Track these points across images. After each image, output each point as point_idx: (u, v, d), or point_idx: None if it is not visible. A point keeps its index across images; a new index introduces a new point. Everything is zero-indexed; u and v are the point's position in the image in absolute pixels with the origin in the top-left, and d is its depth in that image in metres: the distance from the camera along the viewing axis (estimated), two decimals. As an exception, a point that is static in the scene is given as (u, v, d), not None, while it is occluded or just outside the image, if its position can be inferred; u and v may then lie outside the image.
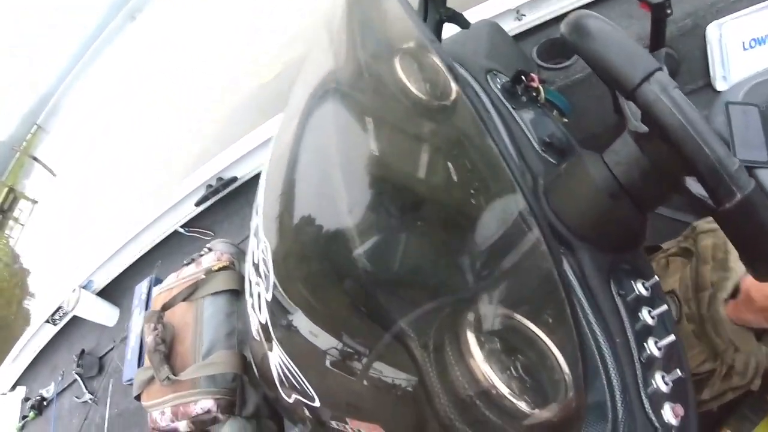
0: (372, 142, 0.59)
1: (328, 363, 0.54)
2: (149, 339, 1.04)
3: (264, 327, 0.62)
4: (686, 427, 0.62)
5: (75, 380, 2.08)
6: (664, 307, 0.65)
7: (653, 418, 0.60)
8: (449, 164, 0.54)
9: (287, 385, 0.62)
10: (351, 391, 0.54)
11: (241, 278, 1.16)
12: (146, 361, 1.12)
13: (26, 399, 2.31)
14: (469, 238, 0.51)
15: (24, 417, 2.24)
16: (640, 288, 0.66)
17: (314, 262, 0.57)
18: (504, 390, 0.45)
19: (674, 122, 0.48)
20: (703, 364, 0.88)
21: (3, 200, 13.78)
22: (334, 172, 0.58)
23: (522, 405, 0.45)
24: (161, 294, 1.21)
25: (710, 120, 1.07)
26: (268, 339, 0.62)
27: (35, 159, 14.48)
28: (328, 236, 0.56)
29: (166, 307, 1.11)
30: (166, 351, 1.02)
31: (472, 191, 0.52)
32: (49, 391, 2.22)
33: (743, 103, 1.05)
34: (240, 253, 1.26)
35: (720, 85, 1.44)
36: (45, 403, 2.22)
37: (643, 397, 0.60)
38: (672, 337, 0.62)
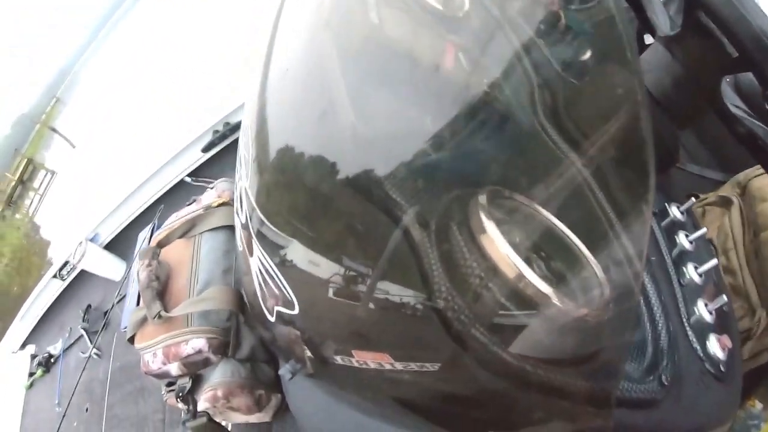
0: (374, 18, 0.51)
1: (307, 259, 0.45)
2: (143, 276, 0.96)
3: (245, 227, 0.53)
4: (733, 361, 0.55)
5: (81, 336, 2.03)
6: (703, 230, 0.59)
7: (698, 349, 0.53)
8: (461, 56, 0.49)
9: (267, 292, 0.53)
10: (333, 288, 0.44)
11: (242, 214, 1.08)
12: (142, 303, 1.05)
13: (34, 356, 2.28)
14: (483, 126, 0.44)
15: (32, 374, 2.22)
16: (674, 211, 0.60)
17: (300, 143, 0.47)
18: (529, 273, 0.37)
19: None
20: (740, 321, 0.79)
21: (23, 171, 13.94)
22: (329, 46, 0.49)
23: (551, 293, 0.37)
24: (160, 233, 1.13)
25: None
26: (249, 241, 0.53)
27: (54, 130, 14.58)
28: (319, 109, 0.47)
29: (161, 244, 1.04)
30: (159, 288, 0.94)
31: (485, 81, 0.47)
32: (56, 348, 2.19)
33: None
34: (243, 192, 1.18)
35: None
36: (52, 360, 2.18)
37: (686, 325, 0.54)
38: (714, 261, 0.56)
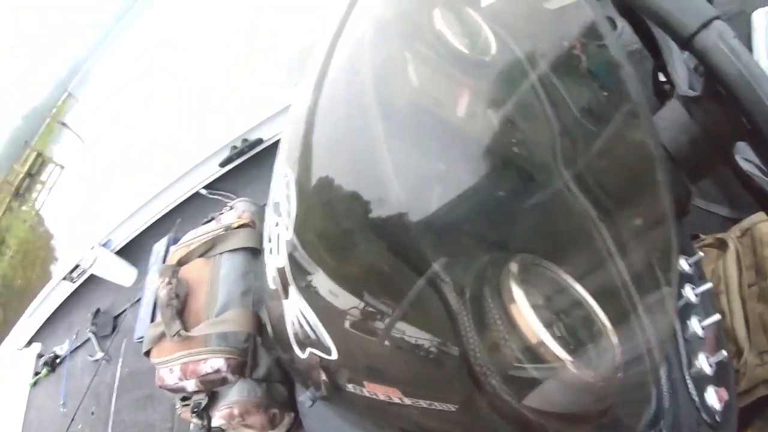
0: (413, 76, 0.55)
1: (351, 310, 0.49)
2: (162, 293, 0.99)
3: (281, 272, 0.56)
4: (729, 413, 0.58)
5: (89, 339, 2.06)
6: (708, 284, 0.61)
7: (697, 400, 0.56)
8: (490, 113, 0.53)
9: (301, 336, 0.56)
10: (373, 342, 0.48)
11: (261, 237, 1.11)
12: (159, 318, 1.08)
13: (40, 356, 2.31)
14: (514, 188, 0.48)
15: (37, 373, 2.25)
16: (683, 264, 0.62)
17: (346, 198, 0.50)
18: (550, 342, 0.40)
19: (733, 70, 0.43)
20: None
21: (31, 164, 14.03)
22: (370, 102, 0.52)
23: (568, 361, 0.41)
24: (178, 250, 1.17)
25: None
26: (285, 285, 0.56)
27: (64, 125, 14.68)
28: (362, 170, 0.50)
29: (181, 262, 1.07)
30: (179, 306, 0.98)
31: (514, 141, 0.50)
32: (63, 349, 2.21)
33: None
34: (261, 213, 1.21)
35: None
36: (58, 360, 2.21)
37: (687, 378, 0.57)
38: (717, 317, 0.59)
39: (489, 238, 0.47)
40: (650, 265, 0.43)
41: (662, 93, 0.68)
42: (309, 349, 0.56)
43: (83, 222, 8.09)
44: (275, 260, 0.58)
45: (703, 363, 0.56)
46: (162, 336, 0.99)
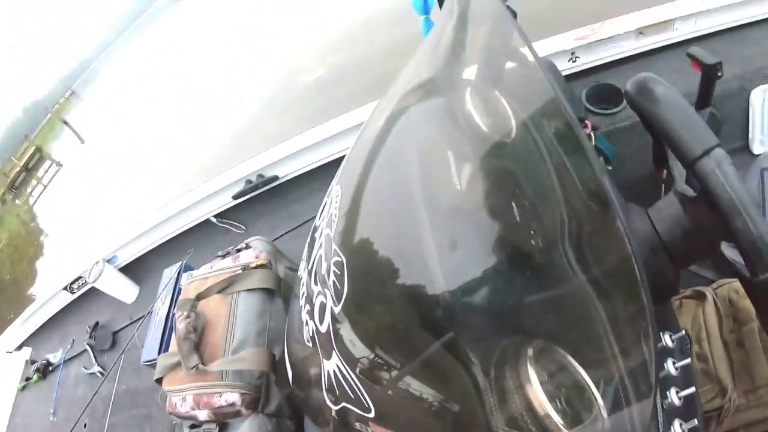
0: (455, 178, 0.62)
1: (393, 382, 0.57)
2: (181, 326, 1.05)
3: (325, 335, 0.64)
4: None
5: (85, 351, 2.08)
6: (688, 360, 0.68)
7: None
8: (513, 204, 0.58)
9: (338, 392, 0.64)
10: (409, 409, 0.57)
11: (277, 278, 1.18)
12: (172, 347, 1.14)
13: (32, 361, 2.32)
14: (531, 281, 0.55)
15: (27, 378, 2.26)
16: (667, 339, 0.69)
17: (394, 287, 0.59)
18: (557, 419, 0.50)
19: (726, 196, 0.53)
20: (711, 401, 0.92)
21: (29, 158, 14.02)
22: (417, 200, 0.61)
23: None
24: (193, 282, 1.23)
25: (745, 181, 1.11)
26: (326, 348, 0.64)
27: (66, 123, 14.72)
28: (409, 263, 0.58)
29: (200, 297, 1.13)
30: (197, 340, 1.04)
31: (531, 232, 0.57)
32: (56, 357, 2.23)
33: None
34: (276, 253, 1.28)
35: (757, 149, 1.47)
36: (51, 368, 2.22)
37: None
38: (693, 389, 0.65)
39: (512, 326, 0.55)
40: (634, 343, 0.51)
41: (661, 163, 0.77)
42: (344, 404, 0.63)
43: (76, 223, 8.11)
44: (316, 324, 0.66)
45: (677, 429, 0.62)
46: (176, 366, 1.06)
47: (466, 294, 0.53)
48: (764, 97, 1.42)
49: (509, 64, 0.67)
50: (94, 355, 2.04)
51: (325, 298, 0.64)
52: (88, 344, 2.08)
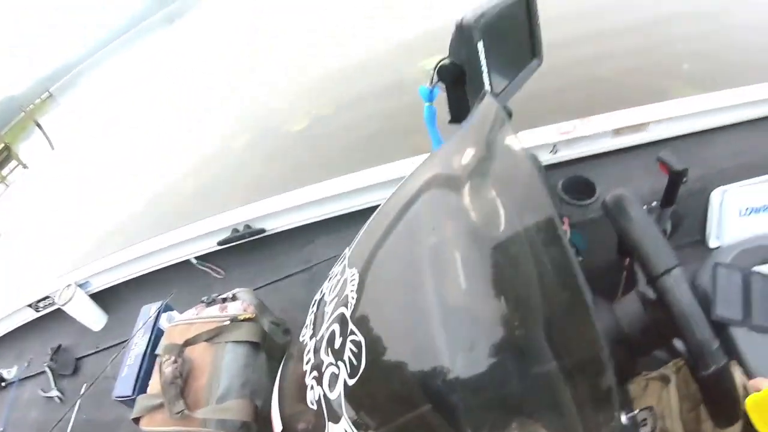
0: (461, 277, 0.70)
1: None
2: (167, 371, 1.11)
3: (335, 402, 0.72)
4: None
5: (43, 372, 2.04)
6: None
7: None
8: (502, 298, 0.67)
9: None
10: None
11: (263, 332, 1.25)
12: (152, 387, 1.19)
13: (-16, 374, 2.25)
14: (520, 368, 0.64)
15: (-25, 391, 2.19)
16: (622, 418, 0.74)
17: (406, 372, 0.68)
18: None
19: (679, 310, 0.67)
20: None
21: (-5, 154, 13.59)
22: (429, 298, 0.69)
23: None
24: (178, 326, 1.29)
25: (698, 275, 1.25)
26: (335, 413, 0.72)
27: (38, 125, 14.42)
28: (421, 349, 0.67)
29: (188, 344, 1.19)
30: (182, 385, 1.09)
31: (516, 324, 0.66)
32: (10, 373, 2.16)
33: (730, 266, 1.22)
34: (261, 306, 1.35)
35: (712, 243, 1.61)
36: (3, 384, 2.14)
37: None
38: None
39: (502, 404, 0.64)
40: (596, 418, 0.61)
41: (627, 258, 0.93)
42: None
43: (34, 231, 7.88)
44: (325, 391, 0.74)
45: None
46: (157, 408, 1.11)
47: (469, 381, 0.63)
48: (722, 198, 1.56)
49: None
50: (54, 379, 2.00)
51: (338, 369, 0.73)
52: (49, 366, 2.02)
